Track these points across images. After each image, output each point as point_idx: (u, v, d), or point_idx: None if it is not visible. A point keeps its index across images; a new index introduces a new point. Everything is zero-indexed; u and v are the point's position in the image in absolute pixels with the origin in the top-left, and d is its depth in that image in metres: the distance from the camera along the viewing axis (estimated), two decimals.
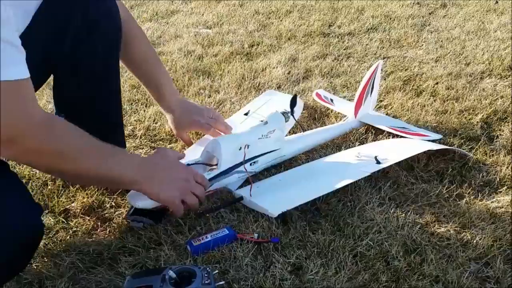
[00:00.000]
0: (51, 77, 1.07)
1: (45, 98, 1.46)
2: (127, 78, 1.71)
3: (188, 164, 1.04)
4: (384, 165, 1.12)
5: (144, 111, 1.47)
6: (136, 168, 0.90)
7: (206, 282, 0.76)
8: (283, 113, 1.23)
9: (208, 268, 0.80)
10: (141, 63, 1.17)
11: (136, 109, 1.49)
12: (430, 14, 2.32)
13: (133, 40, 1.12)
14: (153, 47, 1.27)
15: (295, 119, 1.31)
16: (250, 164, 1.12)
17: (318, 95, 1.54)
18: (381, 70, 1.48)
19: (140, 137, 1.33)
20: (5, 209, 0.71)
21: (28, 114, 0.72)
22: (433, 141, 1.26)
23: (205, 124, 1.23)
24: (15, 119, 0.70)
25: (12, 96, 0.68)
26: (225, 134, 1.23)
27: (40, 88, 1.52)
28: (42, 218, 1.02)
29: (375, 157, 1.14)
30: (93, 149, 0.84)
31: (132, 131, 1.37)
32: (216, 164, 1.07)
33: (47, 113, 0.90)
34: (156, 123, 1.40)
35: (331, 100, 1.51)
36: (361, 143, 1.28)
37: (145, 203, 0.96)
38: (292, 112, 1.26)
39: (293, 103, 1.27)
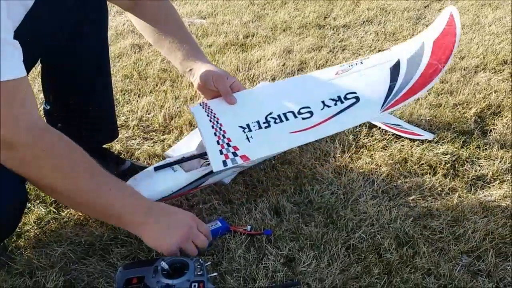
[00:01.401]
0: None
1: (36, 87, 1.44)
2: (119, 68, 1.70)
3: (184, 158, 1.03)
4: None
5: (137, 101, 1.45)
6: (139, 209, 0.83)
7: (199, 273, 0.76)
8: None
9: (200, 260, 0.80)
10: (176, 26, 1.10)
11: (129, 100, 1.47)
12: (425, 7, 2.31)
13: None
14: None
15: None
16: None
17: None
18: None
19: (133, 128, 1.32)
20: None
21: (15, 118, 0.69)
22: (425, 140, 1.26)
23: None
24: (5, 123, 0.68)
25: (5, 98, 0.66)
26: None
27: (31, 78, 1.50)
28: (36, 207, 1.01)
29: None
30: (94, 173, 0.79)
31: (125, 121, 1.36)
32: None
33: (43, 122, 0.84)
34: (149, 113, 1.39)
35: None
36: (355, 136, 1.28)
37: None
38: None
39: None
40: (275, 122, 0.99)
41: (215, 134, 0.96)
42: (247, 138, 0.96)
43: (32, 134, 0.71)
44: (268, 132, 0.97)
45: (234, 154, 0.92)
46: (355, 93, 1.04)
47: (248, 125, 0.98)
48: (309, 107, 1.02)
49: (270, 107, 1.03)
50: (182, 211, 0.88)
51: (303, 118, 1.00)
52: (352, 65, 1.12)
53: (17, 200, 0.84)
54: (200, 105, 1.05)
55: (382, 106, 1.02)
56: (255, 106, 1.04)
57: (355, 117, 1.01)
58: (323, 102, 1.03)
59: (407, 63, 1.08)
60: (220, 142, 0.94)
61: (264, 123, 0.99)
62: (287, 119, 1.00)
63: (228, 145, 0.94)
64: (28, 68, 0.95)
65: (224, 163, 0.90)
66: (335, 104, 1.03)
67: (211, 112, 1.02)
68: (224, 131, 0.96)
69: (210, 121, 1.01)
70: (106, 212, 0.81)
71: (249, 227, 0.96)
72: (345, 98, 1.03)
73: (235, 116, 1.00)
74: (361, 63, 1.13)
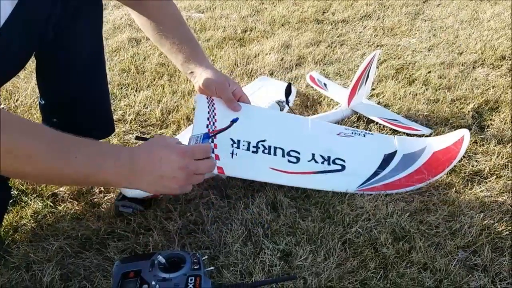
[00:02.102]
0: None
1: (33, 81, 1.44)
2: (117, 62, 1.69)
3: None
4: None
5: (134, 95, 1.45)
6: (122, 160, 0.73)
7: (196, 267, 0.76)
8: (278, 102, 1.22)
9: (197, 254, 0.79)
10: (177, 25, 1.10)
11: (126, 94, 1.47)
12: (424, 2, 2.31)
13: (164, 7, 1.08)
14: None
15: (290, 108, 1.30)
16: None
17: (311, 78, 1.54)
18: None
19: (130, 122, 1.32)
20: None
21: None
22: (423, 135, 1.26)
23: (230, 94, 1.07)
24: None
25: None
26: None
27: (28, 72, 1.50)
28: (32, 201, 1.01)
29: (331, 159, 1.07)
30: (55, 144, 0.69)
31: (122, 115, 1.35)
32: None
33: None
34: (146, 108, 1.39)
35: (325, 84, 1.51)
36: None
37: (136, 192, 0.95)
38: (287, 101, 1.25)
39: (287, 91, 1.27)
40: (263, 152, 1.01)
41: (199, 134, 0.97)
42: (232, 153, 0.97)
43: None
44: (253, 157, 0.99)
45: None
46: (344, 161, 1.08)
47: (238, 141, 1.00)
48: (299, 153, 1.05)
49: (266, 135, 1.05)
50: (166, 152, 0.76)
51: (289, 161, 1.03)
52: (355, 134, 1.16)
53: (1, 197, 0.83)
54: (207, 98, 1.05)
55: (360, 186, 1.04)
56: (253, 126, 1.05)
57: (333, 184, 1.03)
58: (313, 155, 1.06)
59: (402, 158, 1.11)
60: (198, 139, 0.94)
61: (254, 147, 1.01)
62: (275, 154, 1.03)
63: (212, 150, 0.93)
64: (22, 63, 0.95)
65: None
66: (322, 163, 1.06)
67: (213, 110, 1.03)
68: (215, 134, 0.96)
69: (208, 118, 1.01)
70: (88, 182, 0.77)
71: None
72: (333, 162, 1.06)
73: (236, 129, 0.98)
74: (364, 136, 1.16)
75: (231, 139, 1.00)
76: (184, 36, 1.08)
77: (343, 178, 1.04)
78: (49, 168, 0.68)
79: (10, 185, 1.01)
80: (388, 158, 1.11)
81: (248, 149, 1.00)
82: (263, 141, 1.03)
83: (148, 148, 0.76)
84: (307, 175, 1.03)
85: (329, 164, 1.06)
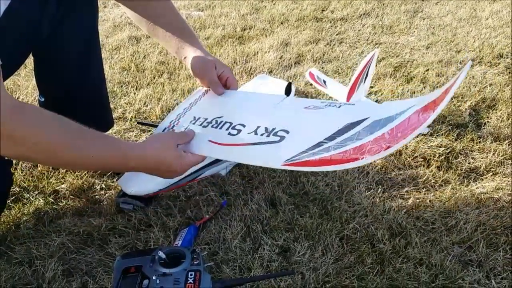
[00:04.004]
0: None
1: (33, 80, 1.44)
2: (117, 60, 1.70)
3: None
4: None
5: (134, 93, 1.46)
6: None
7: (195, 263, 0.77)
8: None
9: (197, 250, 0.81)
10: (168, 12, 1.09)
11: (126, 92, 1.48)
12: (422, 0, 2.32)
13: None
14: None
15: None
16: None
17: (311, 74, 1.55)
18: None
19: (130, 120, 1.33)
20: None
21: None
22: (420, 133, 1.26)
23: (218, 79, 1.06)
24: None
25: None
26: None
27: (29, 70, 1.51)
28: (34, 197, 1.03)
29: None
30: (90, 136, 0.76)
31: (122, 113, 1.37)
32: None
33: (17, 100, 0.78)
34: (146, 106, 1.40)
35: (324, 81, 1.52)
36: None
37: (138, 190, 0.96)
38: None
39: (288, 91, 1.27)
40: (212, 126, 0.96)
41: (179, 113, 1.04)
42: (186, 128, 0.98)
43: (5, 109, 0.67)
44: (198, 131, 0.96)
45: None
46: (287, 132, 0.86)
47: (198, 118, 1.00)
48: (244, 126, 0.92)
49: (225, 112, 0.99)
50: (170, 163, 0.85)
51: (229, 134, 0.92)
52: (328, 105, 0.92)
53: (4, 185, 0.87)
54: (205, 90, 1.07)
55: (288, 160, 0.79)
56: (223, 105, 1.03)
57: (256, 157, 0.84)
58: (258, 127, 0.90)
59: (367, 126, 0.80)
60: (174, 121, 1.01)
61: (208, 122, 0.98)
62: (221, 128, 0.94)
63: (173, 126, 1.00)
64: (20, 61, 0.97)
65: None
66: (262, 135, 0.88)
67: (200, 98, 1.06)
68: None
69: (190, 103, 1.05)
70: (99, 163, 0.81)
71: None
72: (275, 134, 0.87)
73: (203, 109, 1.02)
74: (338, 107, 0.91)
75: (194, 117, 1.01)
76: (176, 22, 1.07)
77: (274, 151, 0.84)
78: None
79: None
80: (348, 127, 0.81)
81: (200, 124, 0.98)
82: (220, 117, 0.97)
83: (155, 156, 0.84)
84: (239, 147, 0.89)
85: (268, 136, 0.87)
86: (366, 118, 0.81)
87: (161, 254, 0.77)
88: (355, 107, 0.91)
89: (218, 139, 0.92)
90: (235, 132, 0.92)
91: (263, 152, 0.84)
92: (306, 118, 0.91)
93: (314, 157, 0.77)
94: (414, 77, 1.58)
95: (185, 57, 1.06)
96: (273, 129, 0.88)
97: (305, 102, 0.98)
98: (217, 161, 1.04)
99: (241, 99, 1.06)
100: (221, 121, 0.96)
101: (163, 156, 0.84)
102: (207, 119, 0.98)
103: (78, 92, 1.06)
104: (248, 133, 0.90)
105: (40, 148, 0.69)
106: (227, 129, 0.93)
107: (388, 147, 0.74)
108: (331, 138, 0.80)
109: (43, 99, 1.10)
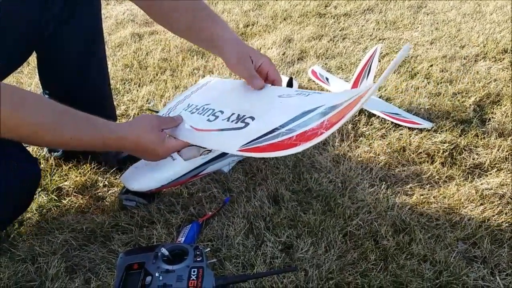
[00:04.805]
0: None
1: (36, 77, 1.44)
2: (120, 57, 1.70)
3: None
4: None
5: (137, 90, 1.46)
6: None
7: (198, 259, 0.77)
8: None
9: (200, 246, 0.81)
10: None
11: (129, 89, 1.48)
12: None
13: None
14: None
15: None
16: None
17: (313, 72, 1.54)
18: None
19: (133, 117, 1.33)
20: (11, 157, 0.82)
21: None
22: (424, 129, 1.26)
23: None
24: None
25: None
26: None
27: (32, 68, 1.51)
28: (37, 194, 1.03)
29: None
30: (70, 118, 0.78)
31: (125, 110, 1.37)
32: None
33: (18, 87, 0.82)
34: (149, 103, 1.40)
35: (327, 79, 1.51)
36: (354, 125, 1.29)
37: (140, 186, 0.96)
38: None
39: (289, 86, 1.27)
40: (198, 113, 0.97)
41: (179, 100, 1.07)
42: (180, 113, 1.00)
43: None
44: (188, 117, 0.98)
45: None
46: (253, 119, 0.86)
47: (191, 106, 1.02)
48: (222, 112, 0.93)
49: (214, 99, 1.00)
50: (151, 148, 0.87)
51: (208, 120, 0.92)
52: (300, 94, 0.92)
53: (32, 177, 0.89)
54: (220, 79, 1.10)
55: (244, 145, 0.80)
56: (219, 95, 1.04)
57: (219, 143, 0.86)
58: (232, 114, 0.91)
59: (319, 113, 0.80)
60: (172, 108, 1.05)
61: (196, 109, 0.99)
62: (203, 114, 0.95)
63: (170, 112, 1.03)
64: (23, 58, 0.97)
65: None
66: (232, 121, 0.89)
67: (202, 87, 1.10)
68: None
69: (192, 91, 1.09)
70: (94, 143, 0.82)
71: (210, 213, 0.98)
72: (242, 120, 0.87)
73: (200, 97, 1.05)
74: (307, 95, 0.90)
75: (188, 104, 1.03)
76: (199, 10, 0.97)
77: (235, 136, 0.84)
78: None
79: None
80: (302, 114, 0.82)
81: (190, 111, 0.99)
82: (208, 104, 0.98)
83: (135, 138, 0.85)
84: (209, 132, 0.90)
85: (236, 122, 0.88)
86: (320, 106, 0.82)
87: (164, 251, 0.77)
88: (321, 95, 0.89)
89: (197, 125, 0.94)
90: (213, 118, 0.93)
91: (226, 138, 0.86)
92: (274, 106, 0.90)
93: (262, 143, 0.79)
94: (418, 73, 1.57)
95: (215, 47, 0.97)
96: (244, 116, 0.89)
97: (280, 91, 0.96)
98: (219, 157, 1.04)
99: (234, 87, 1.05)
100: (207, 108, 0.98)
101: (143, 138, 0.85)
102: (197, 106, 1.01)
103: (78, 92, 1.06)
104: (222, 120, 0.91)
105: (23, 129, 0.71)
106: (208, 116, 0.95)
107: (322, 133, 0.74)
108: (284, 125, 0.81)
109: (46, 96, 1.10)
